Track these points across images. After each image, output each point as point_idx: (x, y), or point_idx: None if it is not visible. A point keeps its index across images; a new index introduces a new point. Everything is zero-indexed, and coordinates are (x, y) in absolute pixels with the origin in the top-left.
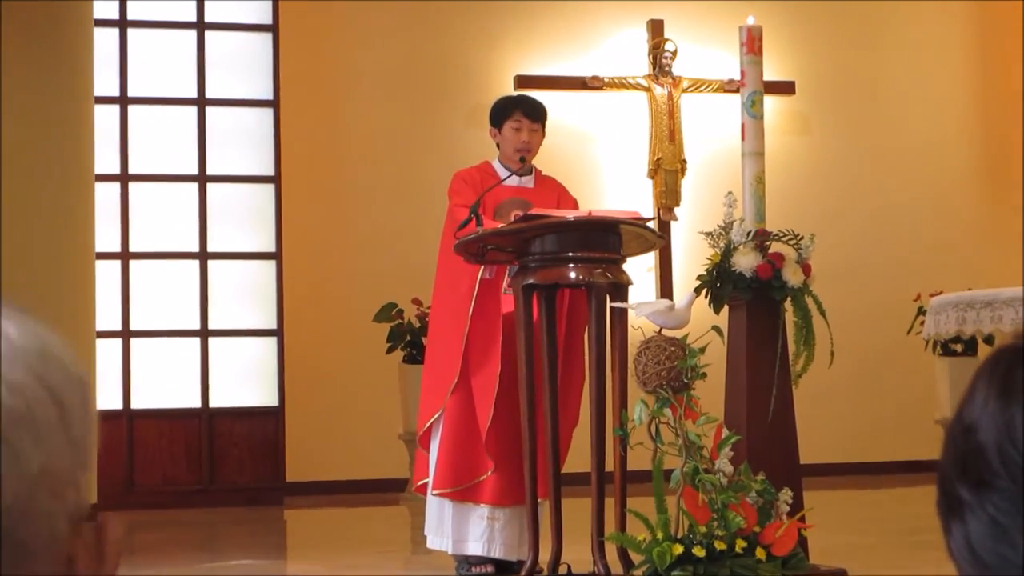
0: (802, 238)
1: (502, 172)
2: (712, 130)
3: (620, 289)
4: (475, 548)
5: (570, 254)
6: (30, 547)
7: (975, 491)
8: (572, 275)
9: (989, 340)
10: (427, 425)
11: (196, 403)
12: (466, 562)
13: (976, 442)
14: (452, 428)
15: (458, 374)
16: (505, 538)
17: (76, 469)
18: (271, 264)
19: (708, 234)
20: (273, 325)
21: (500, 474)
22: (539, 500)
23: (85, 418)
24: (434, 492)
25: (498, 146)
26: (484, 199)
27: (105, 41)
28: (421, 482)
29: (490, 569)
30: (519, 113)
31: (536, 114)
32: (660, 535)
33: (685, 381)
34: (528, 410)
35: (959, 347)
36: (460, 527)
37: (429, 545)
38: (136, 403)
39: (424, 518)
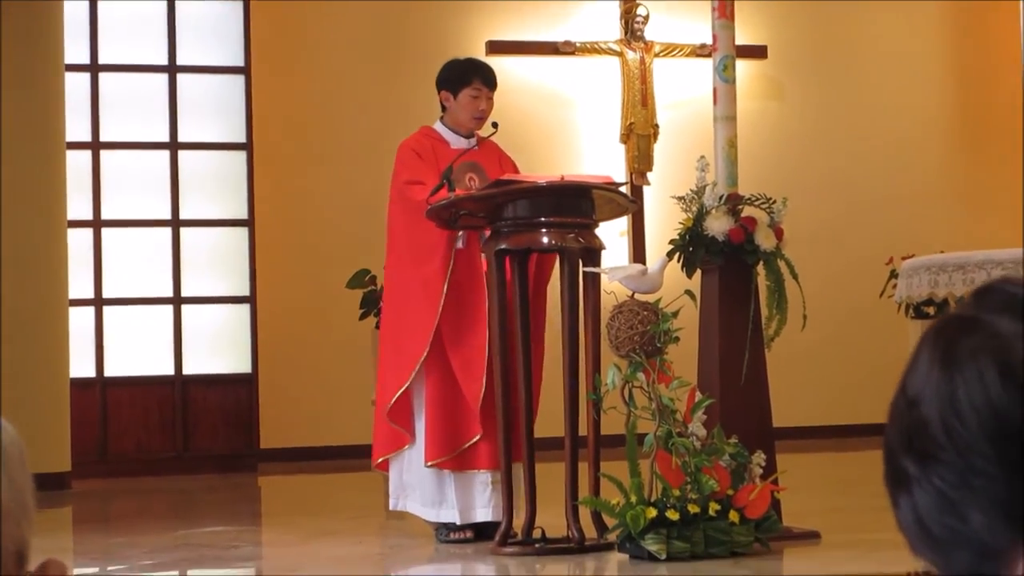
0: (774, 202)
1: (449, 136)
2: (684, 95)
3: (593, 254)
4: (483, 515)
5: (543, 219)
6: None
7: (921, 464)
8: (545, 240)
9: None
10: (393, 400)
11: (169, 370)
12: (445, 528)
13: (920, 415)
14: (437, 398)
15: (427, 348)
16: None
17: (21, 517)
18: (243, 231)
19: (680, 198)
20: (246, 292)
21: (492, 437)
22: (515, 463)
23: (23, 472)
24: (428, 464)
25: (444, 108)
26: (432, 165)
27: (75, 9)
28: (384, 457)
29: (469, 535)
30: (479, 81)
31: (494, 82)
32: (633, 499)
33: (658, 345)
34: (503, 376)
35: (931, 310)
36: (465, 496)
37: (427, 518)
38: (109, 371)
39: (389, 490)
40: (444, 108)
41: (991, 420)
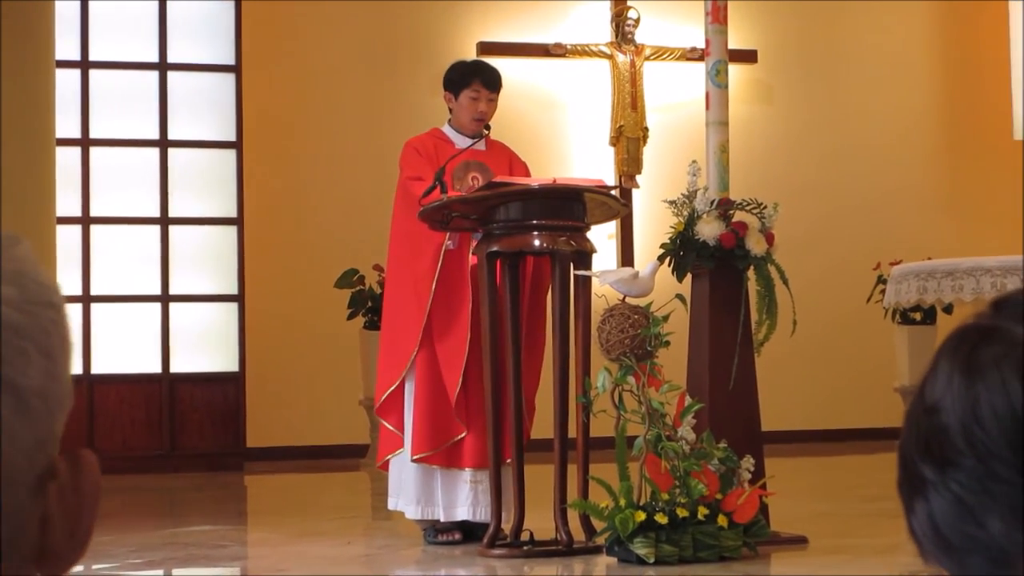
0: (765, 207)
1: (454, 137)
2: (674, 98)
3: (584, 257)
4: (463, 513)
5: (534, 222)
6: None
7: (939, 470)
8: (536, 243)
9: (948, 309)
10: (384, 396)
11: (157, 368)
12: (433, 529)
13: (940, 422)
14: (424, 394)
15: (418, 345)
16: (489, 501)
17: (47, 429)
18: (232, 229)
19: (672, 202)
20: (234, 291)
21: (478, 436)
22: (505, 461)
23: (58, 353)
24: (414, 458)
25: (450, 110)
26: (433, 164)
27: (67, 5)
28: (389, 456)
29: (457, 536)
30: (478, 83)
31: (495, 84)
32: (623, 502)
33: (648, 349)
34: (492, 376)
35: (918, 316)
36: (449, 493)
37: (411, 516)
38: (96, 368)
39: (388, 491)
40: (451, 110)
41: (1013, 427)
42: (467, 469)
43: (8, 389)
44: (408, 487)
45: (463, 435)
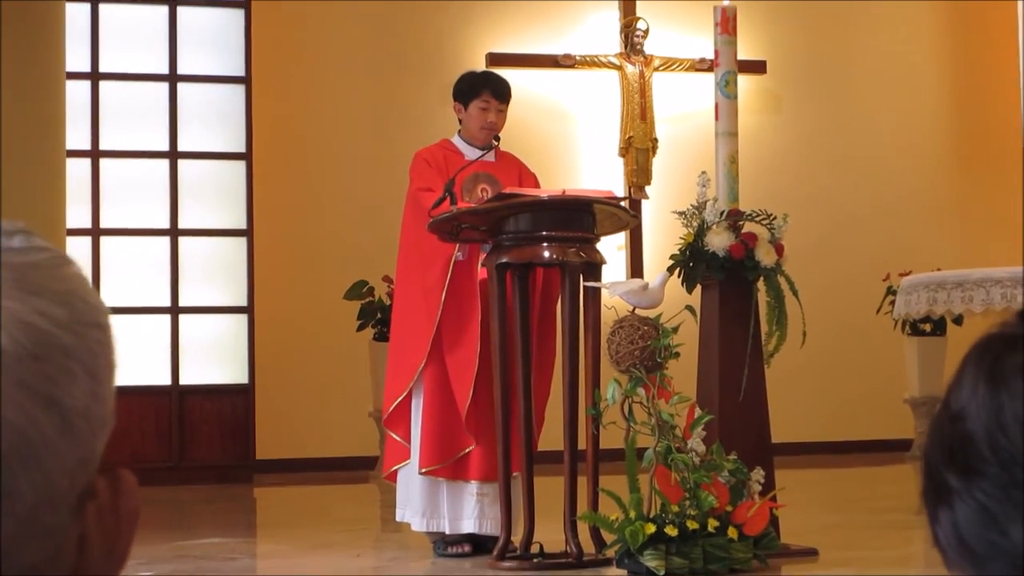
0: (775, 218)
1: (464, 148)
2: (683, 109)
3: (594, 268)
4: (469, 526)
5: (544, 233)
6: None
7: (964, 478)
8: (546, 254)
9: (959, 320)
10: (391, 407)
11: (166, 380)
12: (443, 542)
13: (965, 430)
14: (432, 406)
15: (426, 357)
16: (495, 514)
17: (89, 449)
18: (242, 241)
19: (681, 214)
20: (243, 302)
21: (485, 449)
22: (514, 474)
23: (103, 374)
24: (422, 471)
25: (460, 121)
26: (443, 175)
27: (77, 16)
28: (396, 467)
29: (467, 549)
30: (488, 93)
31: (504, 94)
32: (632, 514)
33: (658, 360)
34: (502, 388)
35: (928, 327)
36: (455, 506)
37: (417, 528)
38: None
39: (396, 502)
40: (461, 121)
41: None
42: (473, 482)
43: (54, 409)
44: (415, 499)
45: (471, 447)
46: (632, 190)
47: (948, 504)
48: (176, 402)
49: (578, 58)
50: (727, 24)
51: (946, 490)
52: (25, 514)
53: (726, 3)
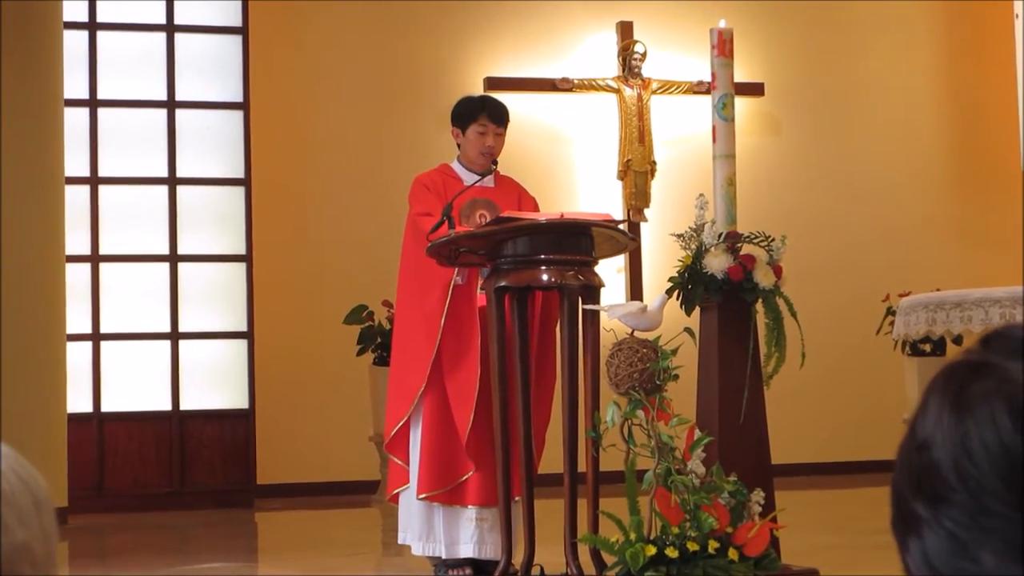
0: (773, 240)
1: (463, 173)
2: (682, 131)
3: (592, 291)
4: (467, 551)
5: (542, 256)
6: None
7: (931, 506)
8: (544, 277)
9: (958, 341)
10: (392, 432)
11: (166, 406)
12: (444, 565)
13: (931, 458)
14: (431, 431)
15: (425, 381)
16: (494, 539)
17: (48, 559)
18: (241, 266)
19: (679, 236)
20: (243, 327)
21: (484, 474)
22: (515, 498)
23: (53, 522)
24: (420, 496)
25: (459, 146)
26: (442, 199)
27: (75, 43)
28: (397, 490)
29: (468, 572)
30: (485, 117)
31: (501, 118)
32: (633, 536)
33: (657, 383)
34: (501, 412)
35: (928, 347)
36: (451, 531)
37: (416, 552)
38: (106, 406)
39: (397, 525)
40: (459, 146)
41: (1003, 461)
42: (470, 507)
43: None
44: (414, 522)
45: (471, 473)
46: (631, 213)
47: (917, 533)
48: (176, 427)
49: (576, 81)
50: (724, 46)
51: (915, 519)
52: (14, 549)
53: (723, 25)
